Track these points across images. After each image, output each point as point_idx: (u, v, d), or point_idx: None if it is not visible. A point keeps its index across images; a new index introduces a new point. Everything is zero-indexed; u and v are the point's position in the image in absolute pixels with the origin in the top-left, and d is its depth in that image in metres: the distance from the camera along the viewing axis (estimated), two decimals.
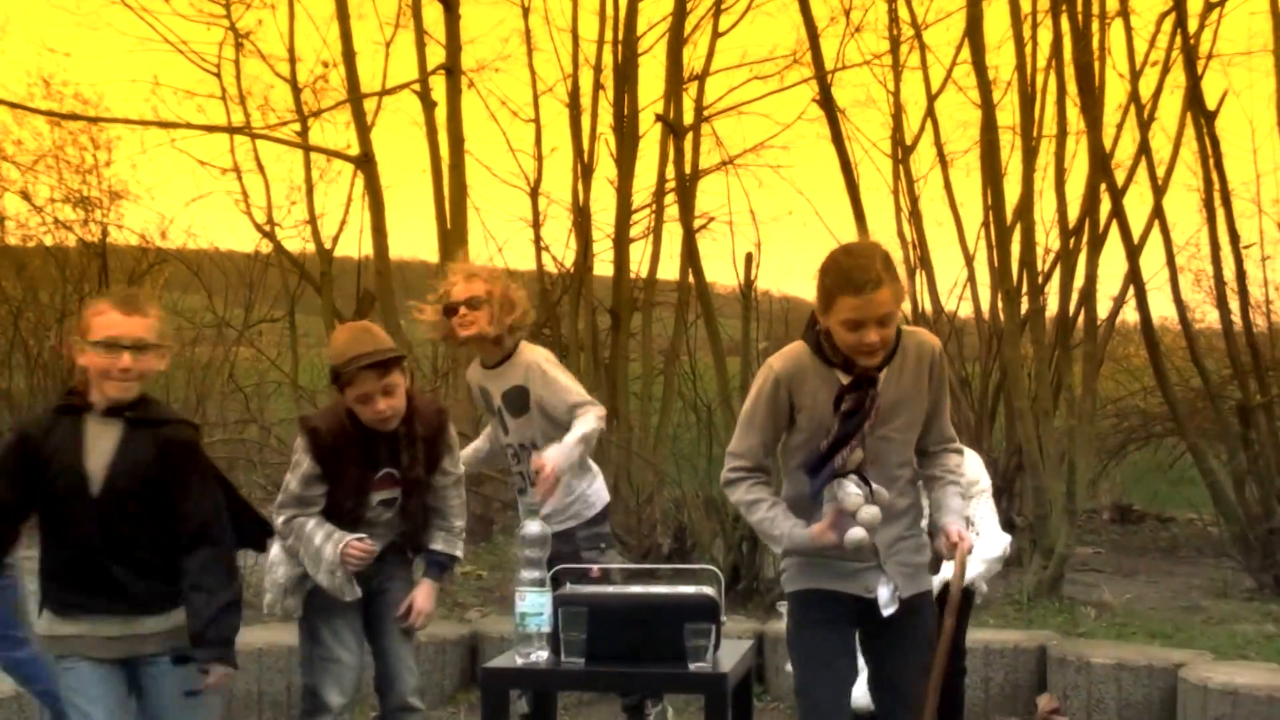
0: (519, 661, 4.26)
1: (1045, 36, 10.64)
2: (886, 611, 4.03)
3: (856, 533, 3.88)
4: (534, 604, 4.24)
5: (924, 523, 4.22)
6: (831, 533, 3.92)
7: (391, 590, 4.91)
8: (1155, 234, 10.69)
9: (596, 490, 5.63)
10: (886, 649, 4.12)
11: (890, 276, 3.84)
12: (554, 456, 5.25)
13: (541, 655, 4.26)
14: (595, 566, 5.39)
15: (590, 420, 5.38)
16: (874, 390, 3.94)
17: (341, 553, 4.69)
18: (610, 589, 4.72)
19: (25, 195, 13.49)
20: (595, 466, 5.71)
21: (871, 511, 3.90)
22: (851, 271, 3.81)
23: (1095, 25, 9.93)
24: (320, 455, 4.71)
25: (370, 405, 4.64)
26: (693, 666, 4.20)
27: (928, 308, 12.21)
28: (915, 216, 12.53)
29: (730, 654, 4.43)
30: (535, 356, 5.53)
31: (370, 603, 4.87)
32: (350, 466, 4.72)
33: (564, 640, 4.22)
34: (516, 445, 5.58)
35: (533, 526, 4.28)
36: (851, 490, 3.92)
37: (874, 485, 3.95)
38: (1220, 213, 10.50)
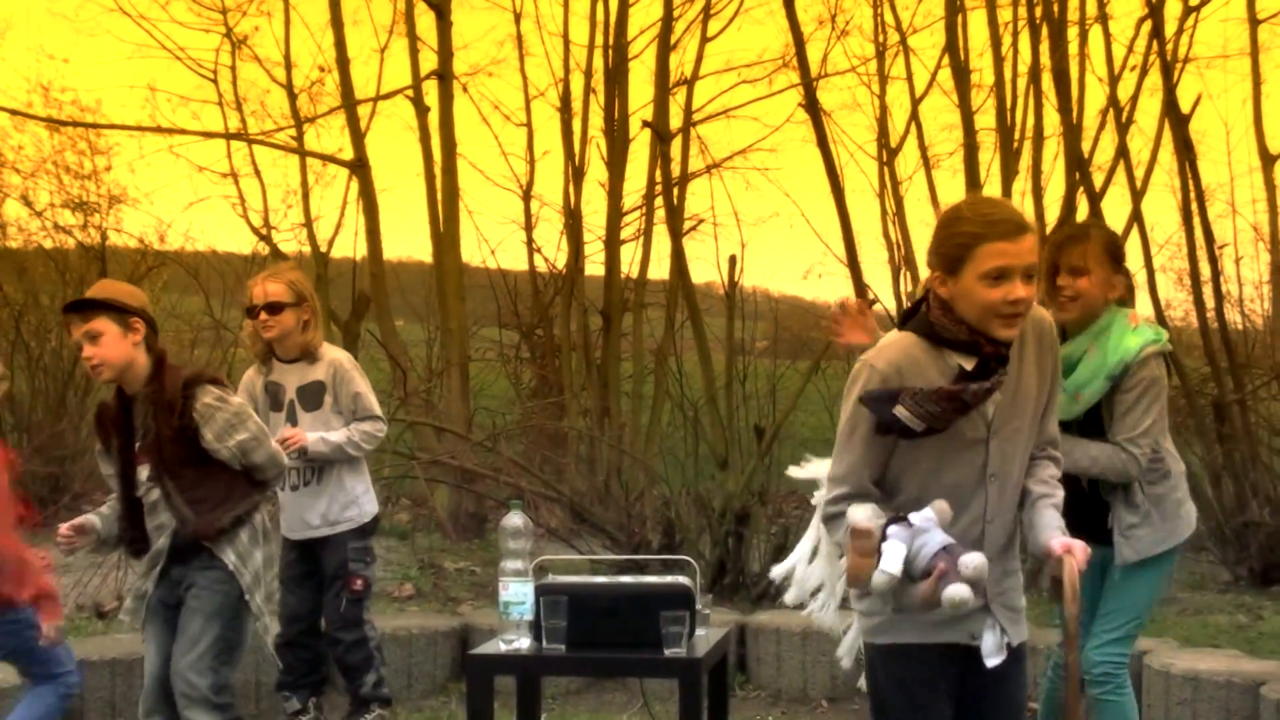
0: (502, 648, 4.47)
1: (1026, 42, 10.86)
2: (991, 662, 3.37)
3: (958, 591, 3.09)
4: (516, 593, 4.44)
5: None
6: (930, 589, 3.14)
7: (189, 594, 4.74)
8: (1135, 235, 10.90)
9: (370, 498, 5.98)
10: (984, 708, 3.48)
11: (1030, 224, 3.30)
12: (312, 437, 5.72)
13: (524, 642, 4.47)
14: (356, 580, 5.79)
15: (370, 429, 5.83)
16: (1004, 369, 3.30)
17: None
18: (590, 579, 4.93)
19: (25, 200, 13.68)
20: (368, 477, 6.03)
21: (976, 561, 3.11)
22: (996, 213, 3.26)
23: (1074, 32, 10.15)
24: (99, 426, 4.81)
25: (82, 353, 4.69)
26: (668, 652, 4.38)
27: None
28: (900, 217, 12.76)
29: (706, 641, 4.63)
30: (339, 356, 5.95)
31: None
32: (113, 434, 4.75)
33: (545, 627, 4.41)
34: None
35: (515, 519, 4.49)
36: (926, 514, 3.20)
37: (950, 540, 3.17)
38: (1196, 214, 10.72)
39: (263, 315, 5.76)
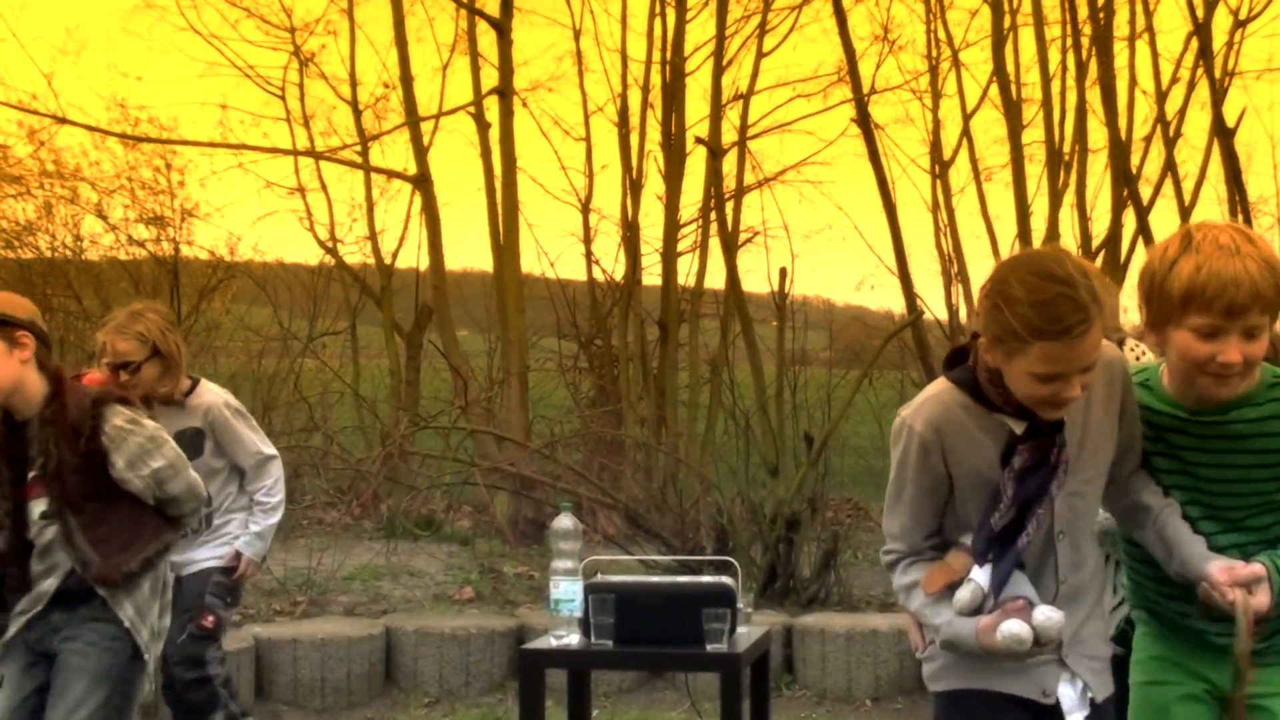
0: (553, 643, 4.71)
1: (1074, 58, 11.02)
2: (1074, 719, 3.08)
3: (1017, 627, 2.89)
4: (566, 591, 4.67)
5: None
6: (992, 620, 2.93)
7: (70, 648, 4.04)
8: None
9: (247, 542, 5.60)
10: None
11: (1098, 307, 2.82)
12: (248, 551, 5.51)
13: (573, 638, 4.71)
14: (209, 617, 5.38)
15: (269, 482, 5.55)
16: (1061, 437, 2.98)
17: None
18: (636, 577, 5.17)
19: (100, 214, 14.07)
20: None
21: (1053, 617, 2.92)
22: (1057, 308, 2.79)
23: (1121, 47, 10.33)
24: None
25: None
26: (710, 648, 4.61)
27: (965, 319, 12.64)
28: (952, 229, 12.95)
29: (747, 638, 4.85)
30: (214, 400, 5.51)
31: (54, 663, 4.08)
32: (1, 467, 4.05)
33: (594, 624, 4.63)
34: None
35: (565, 521, 4.73)
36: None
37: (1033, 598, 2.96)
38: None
39: (123, 375, 5.25)
